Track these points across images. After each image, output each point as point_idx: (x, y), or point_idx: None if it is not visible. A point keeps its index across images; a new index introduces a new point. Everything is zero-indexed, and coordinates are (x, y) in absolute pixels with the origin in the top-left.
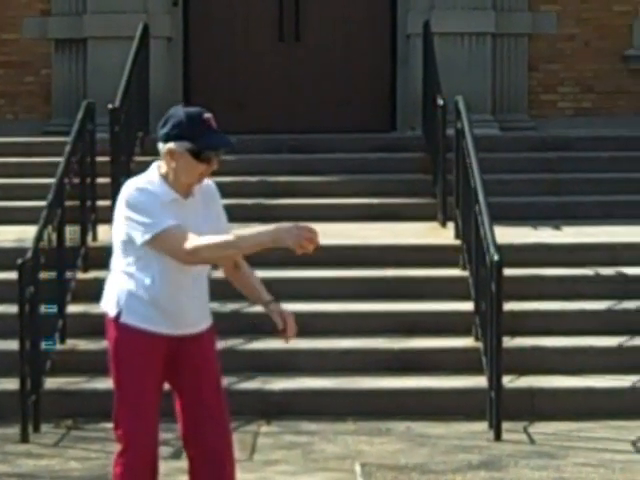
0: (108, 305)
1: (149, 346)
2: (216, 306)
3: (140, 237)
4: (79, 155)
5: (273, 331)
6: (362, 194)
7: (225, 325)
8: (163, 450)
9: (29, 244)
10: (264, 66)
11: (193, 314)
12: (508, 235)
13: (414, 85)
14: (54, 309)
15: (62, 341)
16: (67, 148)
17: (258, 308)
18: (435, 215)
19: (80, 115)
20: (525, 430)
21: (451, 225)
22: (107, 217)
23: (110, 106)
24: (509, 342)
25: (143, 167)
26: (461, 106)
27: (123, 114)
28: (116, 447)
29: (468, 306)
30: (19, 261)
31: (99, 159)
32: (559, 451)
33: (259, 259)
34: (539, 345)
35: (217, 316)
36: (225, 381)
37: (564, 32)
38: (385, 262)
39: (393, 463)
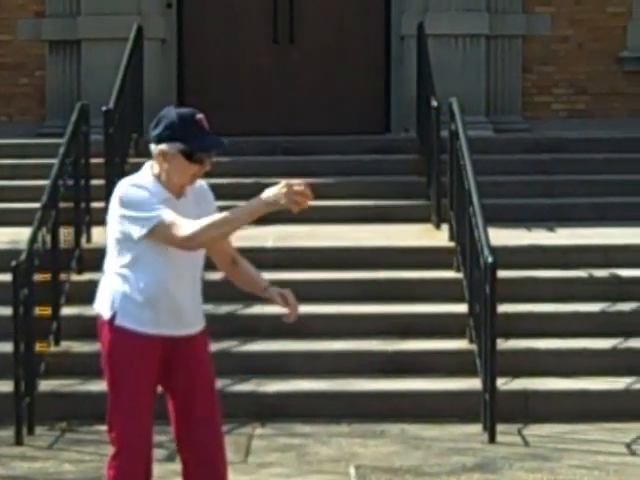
0: (102, 307)
1: (144, 348)
2: (210, 308)
3: (138, 231)
4: (73, 157)
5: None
6: (356, 196)
7: (219, 327)
8: (157, 452)
9: (23, 246)
10: (258, 68)
11: (188, 315)
12: (502, 237)
13: (408, 87)
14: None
15: (56, 343)
16: (61, 150)
17: (252, 310)
18: (429, 217)
19: (74, 117)
20: (519, 432)
21: (445, 227)
22: (101, 219)
23: (104, 108)
24: (503, 344)
25: (137, 169)
26: (455, 108)
27: (117, 116)
28: (110, 450)
29: (462, 308)
30: (13, 263)
31: (93, 161)
32: (553, 453)
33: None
34: (533, 347)
35: (211, 318)
36: (219, 383)
37: (558, 34)
38: (379, 264)
39: (387, 465)
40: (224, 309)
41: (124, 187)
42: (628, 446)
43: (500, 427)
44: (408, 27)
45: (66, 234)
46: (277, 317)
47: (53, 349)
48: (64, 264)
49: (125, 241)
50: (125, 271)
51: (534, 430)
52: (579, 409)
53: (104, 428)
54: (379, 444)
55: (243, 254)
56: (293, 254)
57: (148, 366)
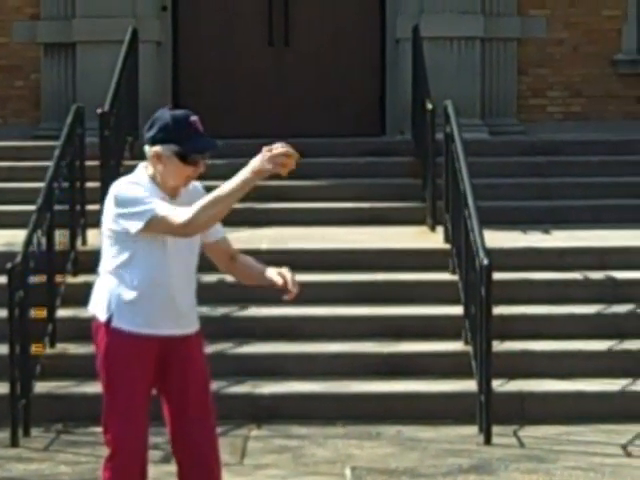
0: (97, 309)
1: (141, 349)
2: (206, 310)
3: (135, 226)
4: (68, 159)
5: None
6: (352, 198)
7: (215, 329)
8: (153, 454)
9: (18, 248)
10: (253, 70)
11: (183, 314)
12: (497, 239)
13: (403, 89)
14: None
15: (52, 345)
16: (56, 152)
17: (248, 312)
18: (424, 219)
19: (69, 119)
20: (515, 434)
21: (440, 229)
22: (96, 221)
23: (99, 110)
24: (499, 346)
25: (132, 171)
26: (450, 110)
27: (112, 118)
28: (105, 451)
29: (457, 310)
30: (8, 265)
31: (88, 163)
32: (549, 455)
33: None
34: (529, 349)
35: (207, 320)
36: (215, 385)
37: (553, 36)
38: (374, 266)
39: (383, 467)
40: (219, 311)
41: (119, 187)
42: (624, 447)
43: (496, 429)
44: (403, 30)
45: (61, 236)
46: (272, 319)
47: (49, 351)
48: (59, 266)
49: (121, 240)
50: (120, 271)
51: (530, 432)
52: (575, 411)
53: (100, 430)
54: (375, 446)
55: None
56: (288, 256)
57: (144, 367)
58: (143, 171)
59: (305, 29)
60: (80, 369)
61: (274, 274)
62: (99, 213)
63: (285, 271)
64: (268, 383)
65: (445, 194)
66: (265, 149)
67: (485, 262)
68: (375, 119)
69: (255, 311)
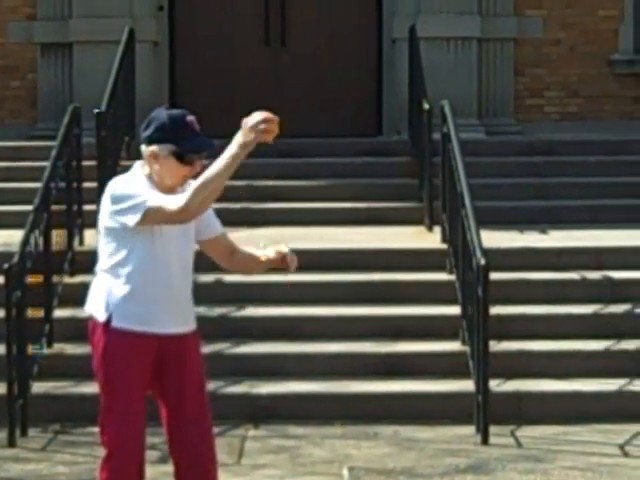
0: (95, 309)
1: (140, 348)
2: (203, 310)
3: (132, 219)
4: (65, 159)
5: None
6: (349, 198)
7: (212, 329)
8: (150, 454)
9: (15, 248)
10: (250, 70)
11: (181, 311)
12: (494, 239)
13: (400, 89)
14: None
15: (49, 345)
16: (53, 152)
17: (245, 312)
18: (422, 219)
19: (66, 119)
20: (512, 434)
21: (437, 229)
22: (94, 221)
23: (96, 110)
24: (496, 346)
25: (129, 171)
26: (447, 110)
27: (109, 118)
28: (102, 452)
29: (455, 310)
30: (6, 266)
31: (85, 163)
32: (546, 455)
33: None
34: (526, 349)
35: (204, 320)
36: (212, 385)
37: (550, 37)
38: (372, 266)
39: (381, 467)
40: (217, 311)
41: (115, 185)
42: (621, 447)
43: (493, 429)
44: (400, 30)
45: (58, 236)
46: (270, 319)
47: (46, 351)
48: (56, 266)
49: (117, 238)
50: (118, 270)
51: (527, 432)
52: (572, 411)
53: (97, 430)
54: (372, 446)
55: None
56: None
57: (142, 367)
58: (139, 170)
59: (302, 29)
60: (78, 369)
61: (273, 254)
62: (96, 213)
63: (281, 247)
64: (266, 383)
65: (442, 194)
66: (244, 121)
67: (482, 262)
68: (372, 119)
69: (252, 311)
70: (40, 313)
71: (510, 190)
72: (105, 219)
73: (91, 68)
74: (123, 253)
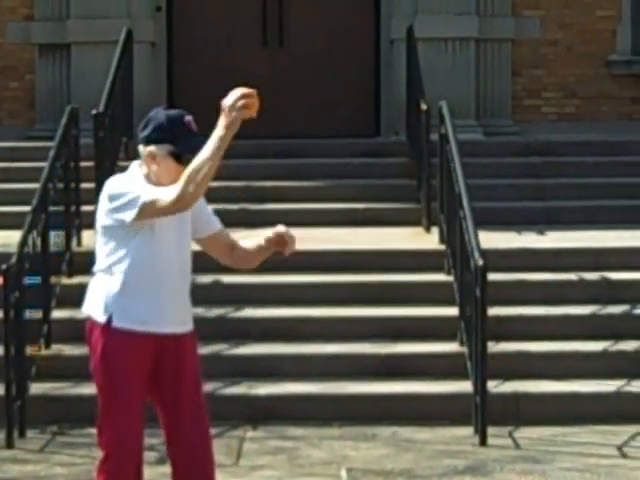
0: (94, 310)
1: (140, 348)
2: (201, 311)
3: (129, 215)
4: (63, 160)
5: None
6: (347, 199)
7: (210, 330)
8: (148, 455)
9: (13, 249)
10: (248, 71)
11: (179, 311)
12: (492, 240)
13: (398, 90)
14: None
15: (47, 346)
16: (51, 153)
17: (244, 313)
18: (419, 220)
19: (64, 120)
20: (510, 435)
21: (435, 230)
22: (92, 222)
23: (94, 111)
24: (494, 347)
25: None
26: (445, 111)
27: (107, 119)
28: (100, 453)
29: (453, 311)
30: (3, 266)
31: (83, 164)
32: (544, 456)
33: None
34: (524, 350)
35: (202, 321)
36: (211, 386)
37: (547, 37)
38: (370, 267)
39: (379, 468)
40: (215, 312)
41: (113, 184)
42: (619, 448)
43: (491, 430)
44: (397, 30)
45: (56, 237)
46: (268, 320)
47: (44, 352)
48: (54, 267)
49: (115, 237)
50: (116, 269)
51: (525, 433)
52: (570, 412)
53: (95, 431)
54: (371, 447)
55: None
56: (283, 257)
57: (141, 368)
58: (137, 170)
59: (300, 30)
60: (76, 370)
61: (271, 234)
62: (94, 214)
63: (278, 228)
64: (264, 384)
65: (440, 195)
66: (222, 102)
67: (480, 263)
68: (370, 120)
69: (251, 312)
70: (38, 314)
71: (508, 191)
72: (102, 218)
73: (89, 69)
74: (121, 253)
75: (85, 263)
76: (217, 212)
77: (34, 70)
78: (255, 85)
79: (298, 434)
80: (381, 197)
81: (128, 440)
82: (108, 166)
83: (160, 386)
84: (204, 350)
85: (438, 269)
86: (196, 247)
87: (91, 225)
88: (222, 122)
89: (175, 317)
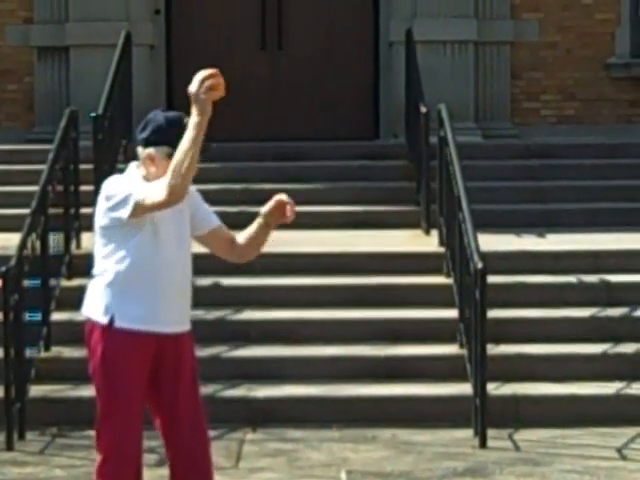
0: (92, 311)
1: (141, 348)
2: (200, 313)
3: (124, 212)
4: (62, 163)
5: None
6: (346, 202)
7: (210, 332)
8: (148, 458)
9: (13, 252)
10: (247, 74)
11: (179, 310)
12: (492, 242)
13: (397, 93)
14: (37, 316)
15: (47, 349)
16: (50, 156)
17: (243, 315)
18: (419, 222)
19: (63, 123)
20: (510, 437)
21: (435, 232)
22: (91, 225)
23: (93, 114)
24: (493, 349)
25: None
26: (444, 114)
27: (106, 122)
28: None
29: (452, 313)
30: (3, 269)
31: (82, 167)
32: (544, 458)
33: (243, 267)
34: (523, 352)
35: (202, 323)
36: (210, 388)
37: (546, 40)
38: (369, 270)
39: (378, 470)
40: (214, 314)
41: (110, 185)
42: (619, 451)
43: (491, 432)
44: (396, 33)
45: (55, 240)
46: (267, 322)
47: (43, 354)
48: (54, 270)
49: (113, 238)
50: (115, 271)
51: (525, 435)
52: (570, 414)
53: (94, 434)
54: (370, 449)
55: None
56: (282, 260)
57: (142, 367)
58: (135, 171)
59: (298, 32)
60: (75, 372)
61: (267, 208)
62: (93, 216)
63: (280, 195)
64: (263, 386)
65: (439, 197)
66: (188, 90)
67: (479, 265)
68: (369, 122)
69: (250, 314)
70: (37, 316)
71: (507, 193)
72: (100, 218)
73: (88, 71)
74: (120, 254)
75: (84, 265)
76: (216, 214)
77: (33, 73)
78: (254, 88)
79: (298, 436)
80: (380, 200)
81: (127, 443)
82: (107, 169)
83: (158, 387)
84: (204, 352)
85: (437, 271)
86: (195, 249)
87: (90, 227)
88: (194, 110)
89: (176, 316)
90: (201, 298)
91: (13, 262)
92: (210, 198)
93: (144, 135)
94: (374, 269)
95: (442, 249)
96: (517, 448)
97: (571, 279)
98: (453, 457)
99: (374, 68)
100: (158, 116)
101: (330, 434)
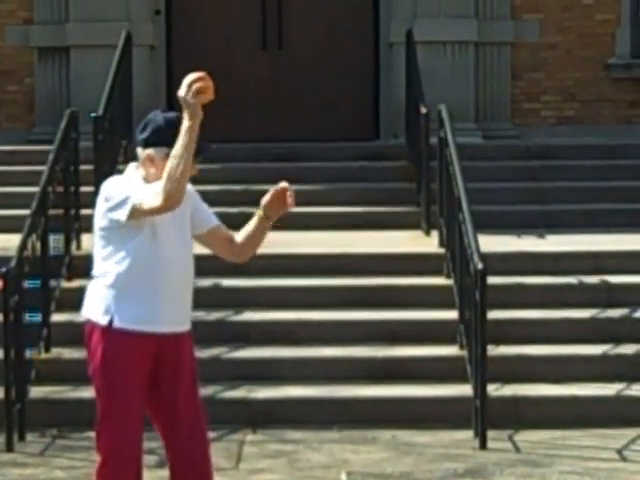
0: (92, 312)
1: (141, 348)
2: (201, 315)
3: (122, 213)
4: (63, 163)
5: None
6: (346, 202)
7: (210, 334)
8: (148, 459)
9: (13, 253)
10: (247, 74)
11: (180, 309)
12: (492, 243)
13: (397, 93)
14: (37, 317)
15: (47, 350)
16: (51, 156)
17: (243, 317)
18: (419, 223)
19: (63, 123)
20: (510, 438)
21: (435, 233)
22: (91, 226)
23: (93, 115)
24: (493, 350)
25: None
26: (444, 114)
27: (106, 122)
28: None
29: (452, 314)
30: (3, 270)
31: (83, 167)
32: (544, 459)
33: (243, 268)
34: (523, 353)
35: (202, 325)
36: (210, 390)
37: (546, 40)
38: (369, 270)
39: (379, 472)
40: (214, 315)
41: (109, 186)
42: (619, 452)
43: (491, 433)
44: (397, 34)
45: (56, 241)
46: (267, 323)
47: (43, 356)
48: (54, 271)
49: (113, 239)
50: (115, 272)
51: (525, 436)
52: (570, 415)
53: (94, 435)
54: (370, 450)
55: None
56: (282, 261)
57: (142, 368)
58: (134, 172)
59: (299, 33)
60: (75, 374)
61: (267, 197)
62: (93, 217)
63: (281, 183)
64: (263, 388)
65: (439, 198)
66: (177, 95)
67: (480, 266)
68: (369, 123)
69: (250, 315)
70: (36, 317)
71: (507, 194)
72: (99, 220)
73: (88, 72)
74: (120, 255)
75: (84, 266)
76: (216, 215)
77: (33, 73)
78: (254, 88)
79: (298, 437)
80: (380, 200)
81: (127, 444)
82: (108, 169)
83: (157, 389)
84: (204, 353)
85: (438, 272)
86: (196, 250)
87: (90, 228)
88: (185, 114)
89: (176, 316)
90: (201, 299)
91: (13, 263)
92: (210, 199)
93: (143, 136)
94: (374, 270)
95: (442, 250)
96: (517, 449)
97: (571, 280)
98: (453, 458)
99: (374, 69)
100: (157, 117)
101: (330, 435)
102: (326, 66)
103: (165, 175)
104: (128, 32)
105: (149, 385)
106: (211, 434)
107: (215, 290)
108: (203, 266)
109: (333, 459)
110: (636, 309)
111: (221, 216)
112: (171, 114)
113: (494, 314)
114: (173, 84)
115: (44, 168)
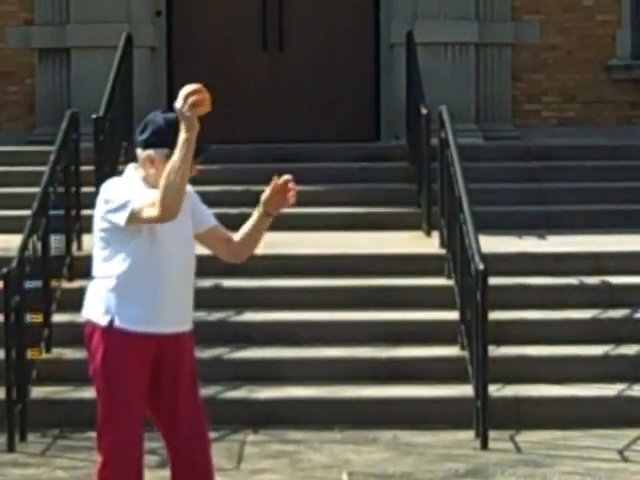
0: (93, 312)
1: (142, 349)
2: (201, 315)
3: (122, 217)
4: (63, 164)
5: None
6: (346, 203)
7: (211, 334)
8: (149, 459)
9: (14, 253)
10: (248, 75)
11: (180, 310)
12: (493, 244)
13: (398, 94)
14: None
15: (48, 350)
16: (51, 157)
17: (244, 317)
18: (420, 224)
19: (64, 124)
20: (511, 439)
21: (436, 234)
22: (92, 226)
23: (94, 115)
24: (495, 351)
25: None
26: (445, 115)
27: (107, 123)
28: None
29: (453, 315)
30: (4, 270)
31: (83, 168)
32: (545, 460)
33: (244, 269)
34: (525, 354)
35: (203, 325)
36: (211, 390)
37: (547, 42)
38: (370, 271)
39: (380, 472)
40: (216, 316)
41: (109, 187)
42: (620, 452)
43: (492, 434)
44: (397, 35)
45: (57, 241)
46: (268, 324)
47: (45, 356)
48: (55, 271)
49: (112, 240)
50: (115, 273)
51: (526, 436)
52: (571, 415)
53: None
54: (372, 451)
55: None
56: (283, 261)
57: (143, 368)
58: (134, 173)
59: (299, 34)
60: (76, 374)
61: (268, 191)
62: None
63: (284, 176)
64: (264, 388)
65: (440, 199)
66: (174, 106)
67: (481, 267)
68: (370, 124)
69: (251, 316)
70: (39, 318)
71: (508, 195)
72: (99, 221)
73: (89, 73)
74: (120, 255)
75: (85, 267)
76: (217, 216)
77: (34, 74)
78: (255, 89)
79: (299, 438)
80: (381, 201)
81: (128, 445)
82: (108, 170)
83: (158, 389)
84: (205, 354)
85: (439, 273)
86: (196, 251)
87: (91, 229)
88: (182, 126)
89: (176, 316)
90: (202, 300)
91: (14, 264)
92: (211, 200)
93: (144, 137)
94: (375, 271)
95: (443, 251)
96: (518, 450)
97: (572, 281)
98: (454, 459)
99: (375, 70)
100: (157, 117)
101: (331, 436)
102: (327, 67)
103: (162, 187)
104: (129, 33)
105: (149, 385)
106: (212, 434)
107: (216, 290)
108: (204, 267)
109: (334, 459)
110: (637, 309)
111: (221, 217)
112: (171, 115)
113: (495, 315)
114: (174, 85)
115: (45, 169)
